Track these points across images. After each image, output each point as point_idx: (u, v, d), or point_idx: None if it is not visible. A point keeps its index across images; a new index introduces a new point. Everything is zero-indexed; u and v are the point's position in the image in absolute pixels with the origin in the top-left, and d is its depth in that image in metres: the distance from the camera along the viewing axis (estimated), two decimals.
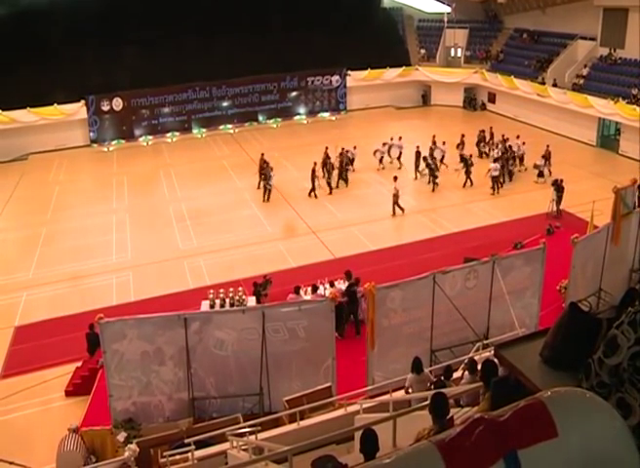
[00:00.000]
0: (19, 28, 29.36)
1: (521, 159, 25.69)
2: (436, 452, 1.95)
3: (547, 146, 25.03)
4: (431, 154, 25.41)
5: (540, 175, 24.65)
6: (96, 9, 30.02)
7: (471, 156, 24.67)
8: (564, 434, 2.01)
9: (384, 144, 26.98)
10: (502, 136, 26.79)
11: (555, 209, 20.86)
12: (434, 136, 27.07)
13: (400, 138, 27.05)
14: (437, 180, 24.18)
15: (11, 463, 8.02)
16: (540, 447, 1.99)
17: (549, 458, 1.99)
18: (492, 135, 28.30)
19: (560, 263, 13.36)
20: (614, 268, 13.50)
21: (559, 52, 33.08)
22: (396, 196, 21.71)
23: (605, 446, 2.04)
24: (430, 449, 1.96)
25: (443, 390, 5.68)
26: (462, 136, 27.33)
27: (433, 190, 24.04)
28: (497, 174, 23.66)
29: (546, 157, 24.78)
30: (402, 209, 21.90)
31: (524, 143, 25.91)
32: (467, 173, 24.13)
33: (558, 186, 20.83)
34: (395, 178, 22.25)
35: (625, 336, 2.88)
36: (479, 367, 6.45)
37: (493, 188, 23.72)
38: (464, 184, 24.28)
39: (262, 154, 24.64)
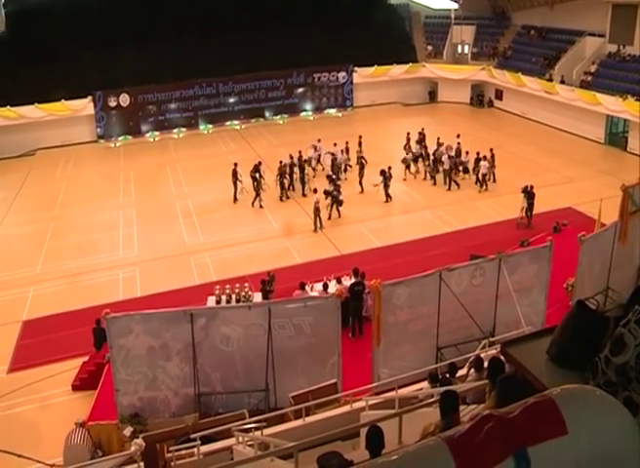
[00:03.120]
0: (26, 25, 29.48)
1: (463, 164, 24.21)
2: (445, 449, 1.94)
3: (491, 150, 23.83)
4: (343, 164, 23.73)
5: (465, 170, 24.34)
6: (103, 5, 30.11)
7: (390, 168, 22.46)
8: (574, 431, 2.00)
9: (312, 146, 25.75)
10: (437, 139, 25.53)
11: (525, 216, 20.03)
12: (346, 143, 25.60)
13: (319, 141, 25.96)
14: (340, 207, 21.21)
15: (19, 456, 8.08)
16: (549, 444, 1.98)
17: (559, 456, 1.99)
18: (424, 136, 26.77)
19: (567, 261, 13.31)
20: (621, 266, 13.43)
21: (567, 48, 32.86)
22: (318, 209, 20.26)
23: (615, 443, 2.03)
24: (440, 446, 1.96)
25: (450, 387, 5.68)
26: (347, 142, 25.75)
27: (329, 217, 21.10)
28: (485, 171, 23.52)
29: (490, 162, 23.64)
30: (321, 222, 20.52)
31: (459, 143, 24.96)
32: (386, 187, 22.38)
33: (529, 193, 19.96)
34: (315, 190, 20.89)
35: (633, 335, 2.86)
36: (485, 364, 6.43)
37: (481, 185, 23.63)
38: (386, 200, 22.59)
39: (236, 164, 23.19)
